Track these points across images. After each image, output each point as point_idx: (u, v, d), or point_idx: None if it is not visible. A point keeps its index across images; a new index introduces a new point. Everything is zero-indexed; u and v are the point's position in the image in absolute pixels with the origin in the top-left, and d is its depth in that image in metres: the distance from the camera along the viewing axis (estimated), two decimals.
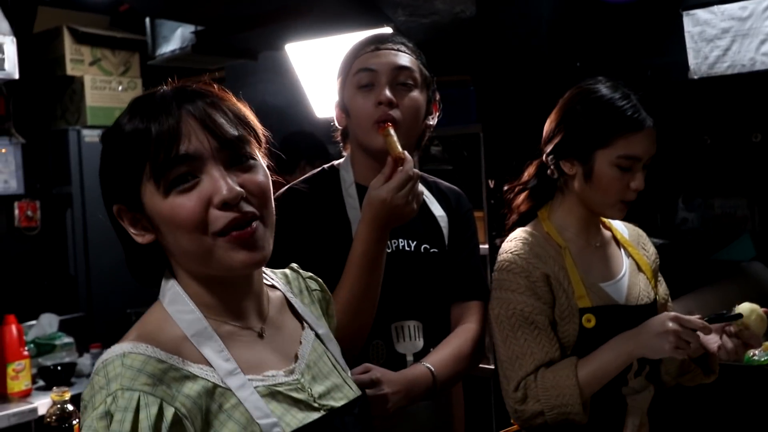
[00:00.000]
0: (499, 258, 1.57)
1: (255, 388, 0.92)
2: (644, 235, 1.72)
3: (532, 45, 2.31)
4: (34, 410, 2.56)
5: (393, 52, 1.53)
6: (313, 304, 1.16)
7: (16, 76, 2.81)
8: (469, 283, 1.63)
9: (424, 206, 1.61)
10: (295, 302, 1.10)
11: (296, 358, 1.02)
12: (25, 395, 2.67)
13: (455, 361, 1.53)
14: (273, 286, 1.09)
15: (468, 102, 2.60)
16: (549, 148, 1.57)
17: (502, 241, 1.62)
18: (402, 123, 1.50)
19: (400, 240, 1.57)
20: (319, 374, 1.03)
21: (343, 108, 1.59)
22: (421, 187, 1.65)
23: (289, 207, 1.53)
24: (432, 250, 1.60)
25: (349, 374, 1.12)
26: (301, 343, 1.04)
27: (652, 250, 1.70)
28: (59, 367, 2.85)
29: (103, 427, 0.82)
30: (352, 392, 1.07)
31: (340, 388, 1.05)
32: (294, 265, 1.22)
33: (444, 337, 1.58)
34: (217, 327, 0.94)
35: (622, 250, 1.64)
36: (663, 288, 1.69)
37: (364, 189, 1.54)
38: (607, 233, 1.65)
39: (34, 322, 3.21)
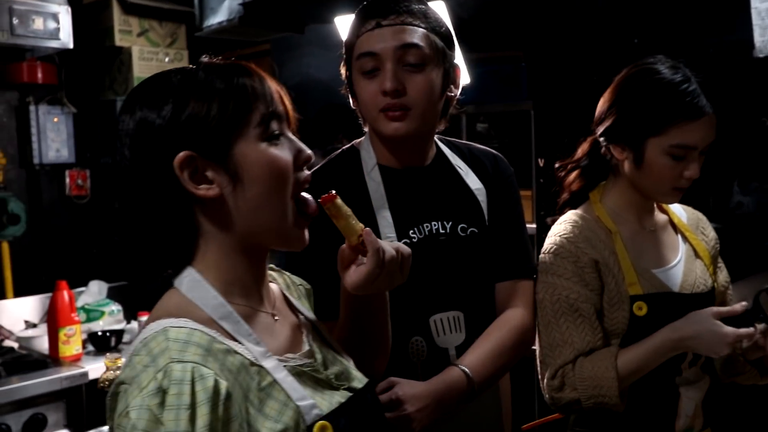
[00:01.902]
0: (548, 240, 1.53)
1: (282, 366, 0.91)
2: (704, 219, 1.66)
3: (587, 20, 2.25)
4: (85, 374, 2.62)
5: (397, 27, 1.37)
6: (300, 299, 1.15)
7: (71, 45, 2.84)
8: (515, 259, 1.52)
9: (459, 179, 1.51)
10: (289, 295, 1.10)
11: (303, 343, 1.02)
12: (75, 359, 2.73)
13: (495, 356, 1.42)
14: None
15: (519, 78, 2.55)
16: (600, 130, 1.52)
17: (554, 221, 1.58)
18: (414, 108, 1.38)
19: (433, 222, 1.46)
20: (326, 359, 1.03)
21: (351, 92, 1.47)
22: (457, 161, 1.52)
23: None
24: (470, 230, 1.47)
25: (351, 362, 1.10)
26: (302, 331, 1.04)
27: (711, 235, 1.63)
28: (108, 333, 2.91)
29: (157, 405, 0.78)
30: (361, 375, 1.07)
31: (349, 371, 1.05)
32: (272, 266, 1.20)
33: (488, 324, 1.48)
34: (239, 310, 0.93)
35: (678, 235, 1.59)
36: (723, 275, 1.63)
37: (387, 170, 1.46)
38: (663, 217, 1.60)
39: (83, 288, 3.29)
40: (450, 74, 1.45)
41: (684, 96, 1.40)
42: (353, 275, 1.03)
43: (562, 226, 1.53)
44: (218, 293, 0.91)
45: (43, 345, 2.86)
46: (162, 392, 0.78)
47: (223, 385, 0.81)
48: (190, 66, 0.94)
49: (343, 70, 1.49)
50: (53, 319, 2.75)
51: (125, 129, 0.92)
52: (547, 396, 1.49)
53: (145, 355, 0.82)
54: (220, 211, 0.91)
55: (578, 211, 1.55)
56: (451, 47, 1.46)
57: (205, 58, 0.96)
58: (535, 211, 2.47)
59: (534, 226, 2.42)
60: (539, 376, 1.51)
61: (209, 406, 0.78)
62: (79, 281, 3.27)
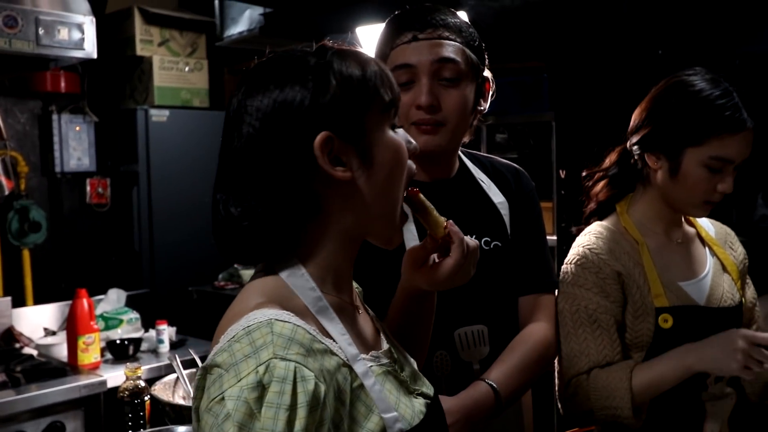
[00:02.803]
0: (571, 251, 1.52)
1: (370, 367, 0.90)
2: (732, 234, 1.64)
3: (611, 30, 2.24)
4: (104, 383, 2.62)
5: (434, 41, 1.34)
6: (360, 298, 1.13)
7: (95, 55, 2.86)
8: (537, 274, 1.51)
9: (482, 193, 1.50)
10: (358, 293, 1.09)
11: (382, 340, 1.01)
12: (94, 368, 2.73)
13: (521, 371, 1.40)
14: None
15: (540, 89, 2.54)
16: (635, 138, 1.50)
17: (579, 230, 1.57)
18: (448, 124, 1.37)
19: None
20: (400, 359, 1.01)
21: None
22: (480, 174, 1.51)
23: None
24: (494, 243, 1.46)
25: (415, 364, 1.09)
26: (378, 329, 1.03)
27: (740, 250, 1.61)
28: (126, 342, 2.91)
29: (255, 399, 0.75)
30: (426, 380, 1.06)
31: (418, 373, 1.04)
32: None
33: (512, 338, 1.46)
34: (331, 301, 0.91)
35: (706, 248, 1.57)
36: (751, 291, 1.61)
37: (416, 185, 1.46)
38: (691, 230, 1.58)
39: (102, 296, 3.31)
40: (481, 89, 1.45)
41: (727, 109, 1.39)
42: (443, 269, 1.04)
43: (586, 237, 1.52)
44: (315, 285, 0.90)
45: (61, 352, 2.87)
46: (262, 387, 0.76)
47: (322, 388, 0.79)
48: (311, 49, 0.94)
49: None
50: (72, 327, 2.76)
51: (258, 105, 0.89)
52: (560, 405, 1.49)
53: (247, 344, 0.79)
54: (345, 195, 0.91)
55: (604, 223, 1.54)
56: (483, 62, 1.45)
57: (329, 42, 0.96)
58: (556, 223, 2.45)
59: (555, 237, 2.40)
60: (555, 387, 1.51)
61: (307, 410, 0.77)
62: (98, 289, 3.29)
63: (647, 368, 1.40)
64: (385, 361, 0.95)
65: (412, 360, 1.06)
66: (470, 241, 1.06)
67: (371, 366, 0.91)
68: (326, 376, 0.81)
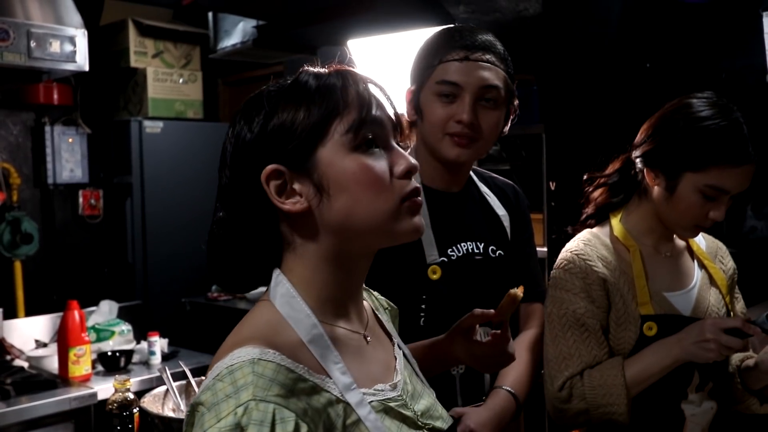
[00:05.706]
0: (560, 256, 1.55)
1: (369, 403, 0.88)
2: (724, 248, 1.65)
3: (600, 44, 2.26)
4: (94, 395, 2.61)
5: (483, 65, 1.44)
6: (389, 321, 1.10)
7: (87, 68, 2.87)
8: (531, 283, 1.58)
9: (487, 205, 1.60)
10: (380, 315, 1.07)
11: (395, 372, 0.98)
12: (85, 380, 2.73)
13: (529, 374, 1.53)
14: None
15: (531, 102, 2.55)
16: (638, 152, 1.52)
17: (575, 231, 1.61)
18: (481, 140, 1.46)
19: (468, 243, 1.53)
20: (414, 392, 0.98)
21: (417, 108, 1.51)
22: (484, 188, 1.62)
23: None
24: (498, 252, 1.56)
25: (434, 395, 1.07)
26: (395, 357, 1.01)
27: (730, 264, 1.63)
28: (118, 354, 2.90)
29: None
30: (445, 414, 1.04)
31: (435, 408, 1.02)
32: None
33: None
34: (330, 331, 0.89)
35: (695, 261, 1.58)
36: (740, 305, 1.63)
37: (432, 192, 1.52)
38: (681, 243, 1.60)
39: (94, 308, 3.30)
40: (508, 114, 1.53)
41: (732, 140, 1.39)
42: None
43: (575, 243, 1.55)
44: (311, 312, 0.89)
45: (52, 364, 2.87)
46: (240, 429, 0.76)
47: (304, 428, 0.78)
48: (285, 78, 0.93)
49: (413, 86, 1.53)
50: (63, 339, 2.75)
51: (225, 146, 0.91)
52: (551, 409, 1.50)
53: (228, 384, 0.79)
54: (306, 224, 0.89)
55: (594, 231, 1.57)
56: (514, 88, 1.53)
57: (310, 65, 0.93)
58: (546, 235, 2.46)
59: (545, 249, 2.40)
60: (545, 390, 1.52)
61: None
62: (90, 301, 3.28)
63: (635, 362, 1.43)
64: (390, 395, 0.92)
65: (430, 391, 1.04)
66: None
67: (371, 401, 0.88)
68: (314, 415, 0.80)
